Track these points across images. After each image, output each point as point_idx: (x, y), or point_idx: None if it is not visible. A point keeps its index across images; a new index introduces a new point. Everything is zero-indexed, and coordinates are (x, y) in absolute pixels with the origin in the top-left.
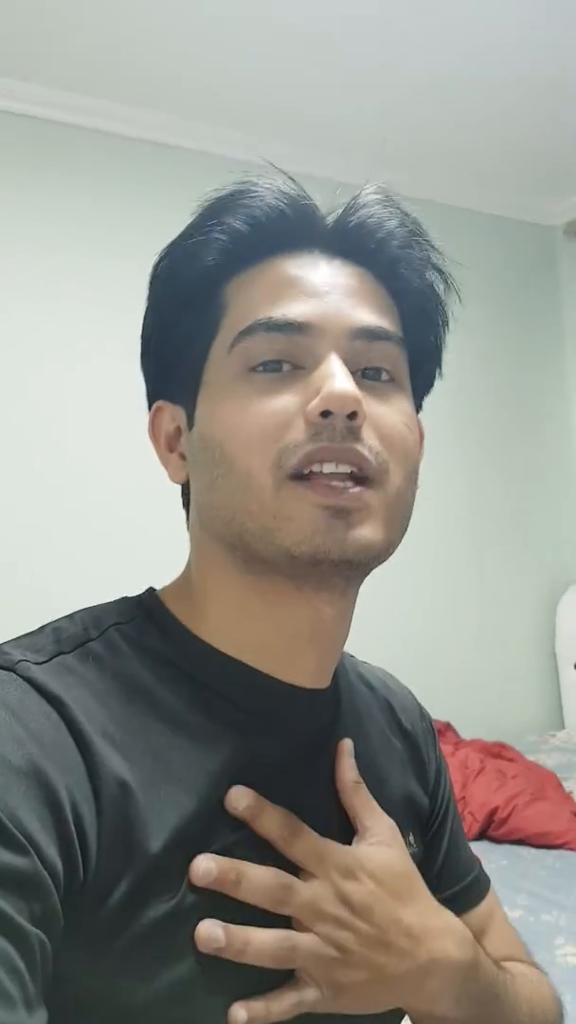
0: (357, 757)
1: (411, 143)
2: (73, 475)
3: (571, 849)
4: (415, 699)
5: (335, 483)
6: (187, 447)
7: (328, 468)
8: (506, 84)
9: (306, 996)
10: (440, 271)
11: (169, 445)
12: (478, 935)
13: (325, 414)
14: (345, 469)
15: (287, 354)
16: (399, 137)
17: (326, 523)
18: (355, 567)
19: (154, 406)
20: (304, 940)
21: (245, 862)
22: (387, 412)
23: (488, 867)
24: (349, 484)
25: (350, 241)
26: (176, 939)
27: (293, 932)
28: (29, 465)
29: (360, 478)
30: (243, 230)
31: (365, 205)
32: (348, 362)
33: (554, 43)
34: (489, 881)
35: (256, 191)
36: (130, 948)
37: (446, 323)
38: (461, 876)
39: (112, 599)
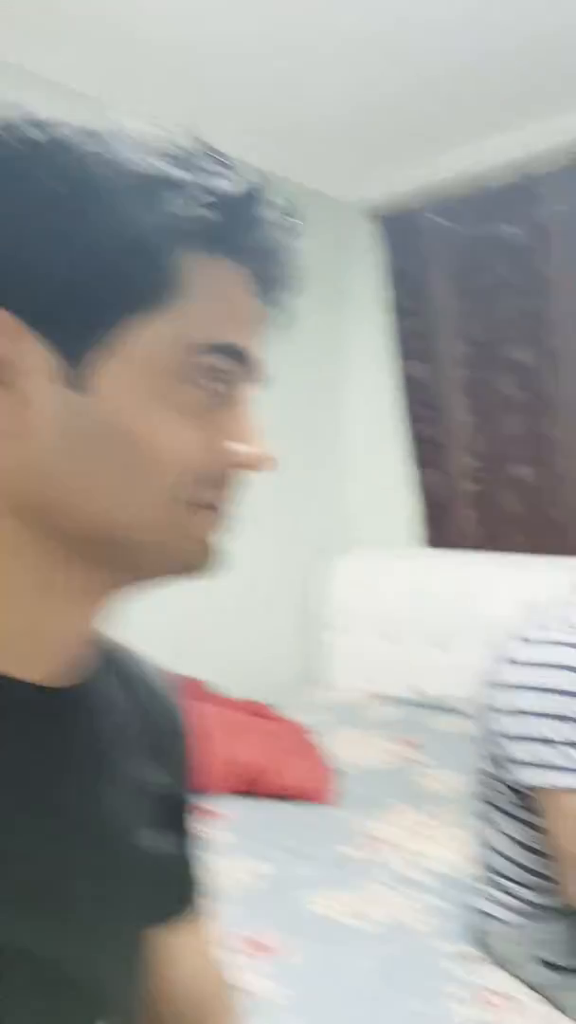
0: (97, 744)
1: (229, 105)
2: None
3: (327, 804)
4: (171, 686)
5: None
6: (43, 400)
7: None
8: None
9: None
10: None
11: None
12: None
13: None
14: None
15: (226, 379)
16: (217, 97)
17: (213, 546)
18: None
19: None
20: None
21: None
22: None
23: (250, 823)
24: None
25: (259, 258)
26: None
27: None
28: None
29: None
30: (217, 211)
31: (270, 222)
32: None
33: (367, 19)
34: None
35: (226, 175)
36: None
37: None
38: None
39: None
